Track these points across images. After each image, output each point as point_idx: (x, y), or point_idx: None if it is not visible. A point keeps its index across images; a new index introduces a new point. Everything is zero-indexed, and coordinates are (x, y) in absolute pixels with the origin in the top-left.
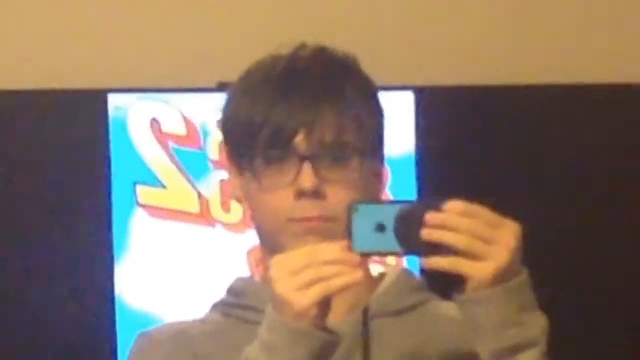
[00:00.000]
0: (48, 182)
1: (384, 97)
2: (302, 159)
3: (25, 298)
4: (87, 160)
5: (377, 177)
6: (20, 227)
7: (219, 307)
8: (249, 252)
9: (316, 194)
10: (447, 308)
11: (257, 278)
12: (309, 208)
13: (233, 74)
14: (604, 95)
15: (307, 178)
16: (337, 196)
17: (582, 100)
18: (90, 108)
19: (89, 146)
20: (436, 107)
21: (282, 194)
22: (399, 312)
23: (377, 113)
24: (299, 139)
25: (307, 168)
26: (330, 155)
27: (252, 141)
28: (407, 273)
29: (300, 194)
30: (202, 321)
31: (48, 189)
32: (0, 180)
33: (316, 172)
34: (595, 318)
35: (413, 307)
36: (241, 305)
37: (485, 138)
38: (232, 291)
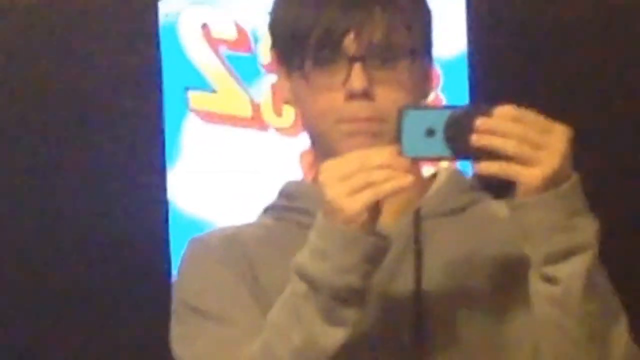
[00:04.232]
0: (100, 89)
1: None
2: (352, 60)
3: (79, 202)
4: (138, 66)
5: (426, 78)
6: (74, 134)
7: (270, 210)
8: (302, 155)
9: (366, 95)
10: (499, 207)
11: (309, 181)
12: (359, 109)
13: None
14: None
15: (357, 79)
16: (387, 97)
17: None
18: (140, 14)
19: (140, 52)
20: (489, 8)
21: (331, 95)
22: (451, 212)
23: (425, 13)
24: (349, 40)
25: (357, 69)
26: (380, 56)
27: (302, 43)
28: (458, 173)
29: (350, 95)
30: (254, 225)
31: (100, 96)
32: (54, 89)
33: (366, 73)
34: None
35: (464, 208)
36: (293, 208)
37: (537, 40)
38: (283, 194)
